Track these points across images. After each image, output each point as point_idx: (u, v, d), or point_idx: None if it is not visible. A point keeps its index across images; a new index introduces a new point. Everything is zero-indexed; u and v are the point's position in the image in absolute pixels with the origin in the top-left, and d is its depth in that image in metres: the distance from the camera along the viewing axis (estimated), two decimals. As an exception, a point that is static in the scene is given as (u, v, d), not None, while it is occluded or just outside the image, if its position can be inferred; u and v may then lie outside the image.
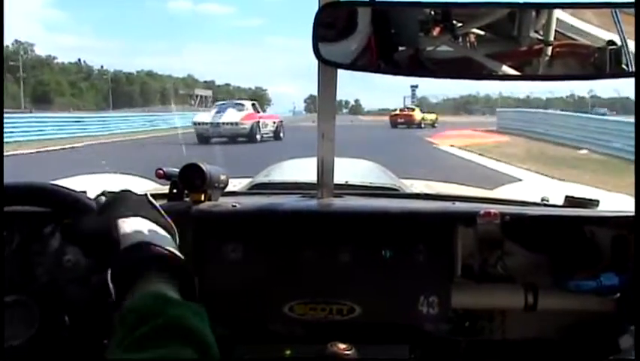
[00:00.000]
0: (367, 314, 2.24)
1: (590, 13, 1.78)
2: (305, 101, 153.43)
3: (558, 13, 1.76)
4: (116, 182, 3.68)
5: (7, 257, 1.82)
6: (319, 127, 2.36)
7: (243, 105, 34.37)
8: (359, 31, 1.78)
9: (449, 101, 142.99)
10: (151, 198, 1.88)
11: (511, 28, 1.78)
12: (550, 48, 1.76)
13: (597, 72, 1.81)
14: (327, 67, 2.07)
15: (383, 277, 2.26)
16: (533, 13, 1.78)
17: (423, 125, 52.01)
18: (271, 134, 34.32)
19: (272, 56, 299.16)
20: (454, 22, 1.79)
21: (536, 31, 1.77)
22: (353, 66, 1.85)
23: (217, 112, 32.91)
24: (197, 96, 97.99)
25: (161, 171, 2.31)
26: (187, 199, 2.33)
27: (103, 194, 2.49)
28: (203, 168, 2.25)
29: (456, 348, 2.39)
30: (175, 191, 2.34)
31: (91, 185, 2.64)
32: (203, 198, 2.30)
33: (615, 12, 1.71)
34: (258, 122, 33.46)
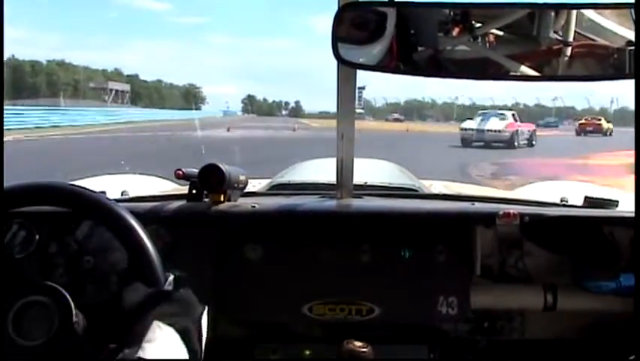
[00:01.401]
0: (386, 315, 2.24)
1: (609, 13, 1.78)
2: (242, 102, 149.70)
3: (577, 14, 1.76)
4: (136, 182, 3.69)
5: (27, 257, 1.83)
6: (338, 128, 2.36)
7: (504, 115, 37.39)
8: (379, 32, 1.78)
9: (392, 106, 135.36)
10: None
11: (531, 29, 1.78)
12: (569, 48, 1.76)
13: (617, 73, 1.80)
14: (346, 67, 2.07)
15: (402, 277, 2.26)
16: (552, 14, 1.77)
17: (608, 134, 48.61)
18: (526, 142, 35.97)
19: (210, 54, 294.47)
20: (474, 22, 1.79)
21: (555, 32, 1.77)
22: (372, 67, 1.84)
23: (482, 120, 35.86)
24: (111, 90, 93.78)
25: (180, 172, 2.31)
26: (206, 200, 2.34)
27: (122, 194, 2.51)
28: (223, 168, 2.25)
29: (475, 348, 2.39)
30: (194, 192, 2.35)
31: (110, 185, 2.66)
32: (222, 198, 2.31)
33: (632, 12, 1.71)
34: (517, 130, 35.72)
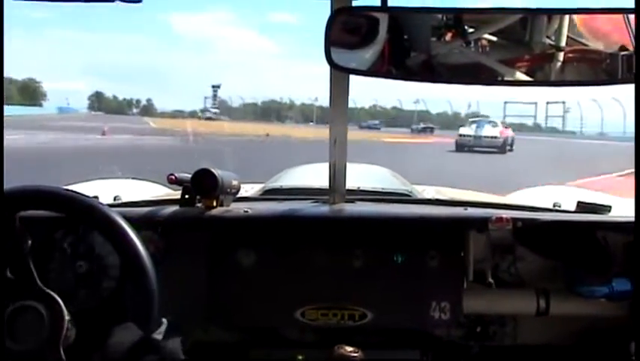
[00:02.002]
0: (379, 320, 2.24)
1: (604, 18, 1.78)
2: (89, 98, 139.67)
3: (570, 19, 1.76)
4: (129, 187, 3.68)
5: (19, 262, 1.82)
6: (331, 132, 2.36)
7: (495, 122, 41.41)
8: (372, 37, 1.78)
9: (250, 106, 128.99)
10: None
11: (523, 34, 1.78)
12: (561, 54, 1.76)
13: (609, 78, 1.81)
14: (339, 73, 2.07)
15: (395, 282, 2.26)
16: (545, 19, 1.77)
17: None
18: (509, 147, 38.64)
19: (56, 49, 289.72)
20: (466, 27, 1.79)
21: (548, 37, 1.77)
22: (364, 71, 1.84)
23: (477, 127, 38.89)
24: None
25: (173, 177, 2.30)
26: (199, 205, 2.33)
27: (115, 199, 2.51)
28: (215, 173, 2.24)
29: (468, 353, 2.39)
30: (187, 196, 2.34)
31: (103, 190, 2.66)
32: (215, 203, 2.31)
33: (627, 17, 1.71)
34: (507, 137, 39.30)
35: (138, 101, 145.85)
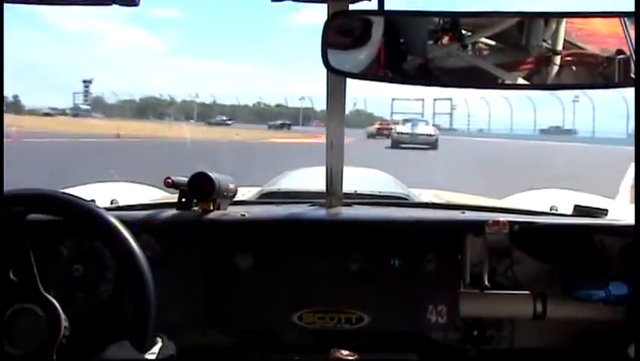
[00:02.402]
0: (376, 323, 2.24)
1: (600, 22, 1.79)
2: None
3: (566, 23, 1.76)
4: (125, 190, 3.67)
5: (22, 264, 1.82)
6: (328, 136, 2.36)
7: (427, 121, 46.67)
8: (368, 40, 1.78)
9: (127, 103, 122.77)
10: None
11: (520, 38, 1.78)
12: (558, 57, 1.76)
13: (606, 81, 1.81)
14: (336, 76, 2.07)
15: (392, 286, 2.26)
16: (542, 23, 1.78)
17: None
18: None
19: None
20: (463, 31, 1.79)
21: (545, 41, 1.77)
22: (362, 75, 1.85)
23: (412, 125, 42.40)
24: None
25: (169, 180, 2.30)
26: (196, 208, 2.33)
27: (112, 202, 2.51)
28: (212, 176, 2.24)
29: (464, 357, 2.38)
30: (184, 200, 2.34)
31: (100, 193, 2.65)
32: (211, 207, 2.30)
33: (623, 20, 1.71)
34: (438, 134, 42.48)
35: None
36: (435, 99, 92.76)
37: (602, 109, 71.96)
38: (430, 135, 40.47)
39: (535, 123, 79.36)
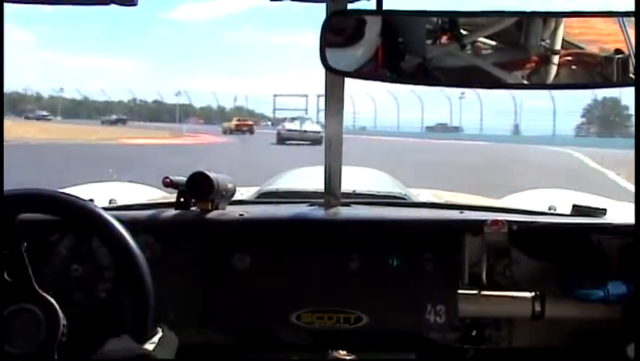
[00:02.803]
0: (374, 323, 2.24)
1: (598, 21, 1.78)
2: None
3: (565, 22, 1.76)
4: (124, 190, 3.68)
5: (17, 264, 1.82)
6: (326, 135, 2.37)
7: (312, 119, 47.84)
8: (367, 40, 1.78)
9: None
10: None
11: (519, 37, 1.78)
12: (557, 57, 1.76)
13: (604, 81, 1.81)
14: (335, 76, 2.07)
15: (390, 285, 2.26)
16: (540, 22, 1.77)
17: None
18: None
19: None
20: (462, 31, 1.79)
21: (543, 40, 1.77)
22: (360, 75, 1.84)
23: (300, 122, 44.87)
24: None
25: (168, 180, 2.30)
26: (194, 208, 2.33)
27: (110, 202, 2.51)
28: (211, 176, 2.24)
29: (463, 357, 2.38)
30: (182, 200, 2.34)
31: (98, 193, 2.66)
32: (210, 207, 2.30)
33: (622, 20, 1.71)
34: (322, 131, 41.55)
35: None
36: (319, 95, 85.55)
37: (487, 106, 71.12)
38: (317, 132, 41.62)
39: (422, 121, 77.57)
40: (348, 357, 2.12)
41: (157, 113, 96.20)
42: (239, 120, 61.38)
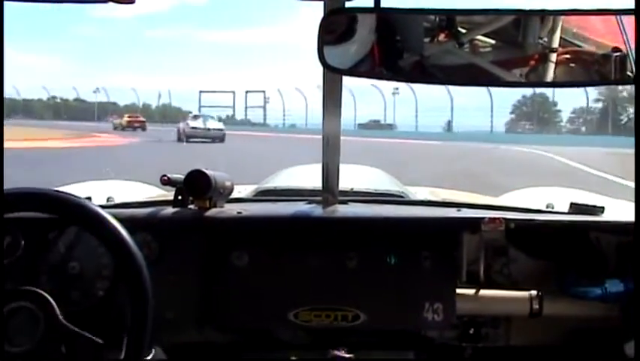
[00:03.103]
0: (372, 321, 2.24)
1: (596, 19, 1.78)
2: None
3: (563, 20, 1.76)
4: (121, 188, 3.67)
5: (13, 263, 1.82)
6: (324, 133, 2.36)
7: (214, 117, 48.56)
8: (364, 38, 1.78)
9: None
10: None
11: (516, 35, 1.78)
12: (554, 55, 1.76)
13: (602, 79, 1.81)
14: (332, 74, 2.07)
15: (388, 283, 2.26)
16: (538, 20, 1.77)
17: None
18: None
19: None
20: (459, 28, 1.79)
21: (541, 38, 1.77)
22: (358, 73, 1.84)
23: (203, 120, 44.92)
24: None
25: (165, 178, 2.30)
26: (192, 206, 2.33)
27: (108, 200, 2.50)
28: (209, 174, 2.24)
29: (461, 355, 2.38)
30: (180, 198, 2.34)
31: (96, 191, 2.65)
32: (208, 204, 2.31)
33: (620, 18, 1.71)
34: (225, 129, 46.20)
35: None
36: (247, 92, 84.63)
37: (420, 103, 66.11)
38: (220, 130, 43.93)
39: (355, 118, 70.52)
40: (346, 356, 2.12)
41: (79, 112, 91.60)
42: (130, 117, 60.92)
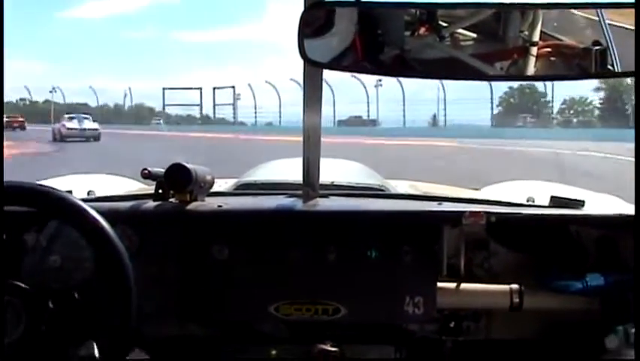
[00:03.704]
0: (353, 314, 2.24)
1: (577, 13, 1.79)
2: None
3: (544, 14, 1.76)
4: (102, 182, 3.66)
5: None
6: (304, 127, 2.36)
7: (88, 117, 47.80)
8: (344, 32, 1.78)
9: None
10: None
11: (497, 29, 1.78)
12: (535, 48, 1.76)
13: (582, 72, 1.82)
14: (313, 67, 2.07)
15: (368, 277, 2.26)
16: (519, 14, 1.78)
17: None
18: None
19: None
20: (440, 22, 1.79)
21: (522, 32, 1.77)
22: (338, 66, 1.84)
23: (78, 121, 45.39)
24: None
25: (146, 171, 2.30)
26: (172, 199, 2.33)
27: (89, 194, 2.49)
28: (189, 168, 2.24)
29: (441, 348, 2.39)
30: (161, 191, 2.33)
31: (76, 185, 2.64)
32: (188, 198, 2.30)
33: (600, 12, 1.71)
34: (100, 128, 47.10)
35: None
36: (215, 88, 77.30)
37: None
38: (96, 130, 44.89)
39: (334, 114, 61.65)
40: (332, 349, 2.12)
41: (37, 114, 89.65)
42: (9, 117, 57.09)
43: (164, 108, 77.30)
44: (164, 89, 78.82)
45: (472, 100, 53.74)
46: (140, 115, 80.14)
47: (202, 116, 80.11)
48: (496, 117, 61.73)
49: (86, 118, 47.60)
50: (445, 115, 59.76)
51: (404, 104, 59.16)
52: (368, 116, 66.50)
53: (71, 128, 44.29)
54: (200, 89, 78.09)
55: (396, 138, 40.89)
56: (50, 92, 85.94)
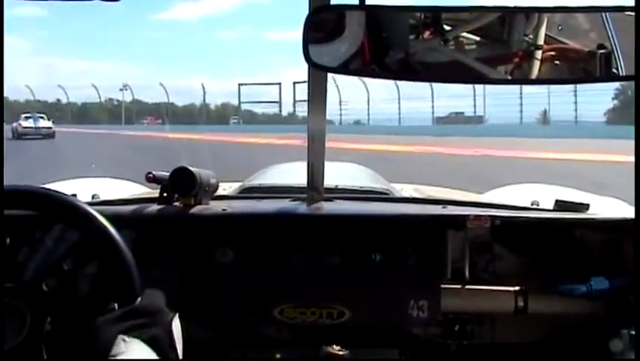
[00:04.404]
0: (357, 318, 2.24)
1: (581, 16, 1.79)
2: None
3: (548, 17, 1.76)
4: (107, 186, 3.66)
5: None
6: (309, 131, 2.36)
7: (43, 116, 51.13)
8: (349, 35, 1.78)
9: None
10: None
11: (502, 32, 1.78)
12: (539, 52, 1.76)
13: (587, 76, 1.82)
14: (318, 71, 2.07)
15: (373, 281, 2.26)
16: (523, 17, 1.77)
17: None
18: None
19: None
20: (445, 26, 1.79)
21: (526, 35, 1.77)
22: (343, 70, 1.84)
23: (34, 120, 48.86)
24: None
25: (151, 175, 2.30)
26: (177, 203, 2.33)
27: (93, 197, 2.49)
28: (194, 171, 2.24)
29: (446, 352, 2.39)
30: (165, 195, 2.34)
31: (81, 189, 2.65)
32: (193, 202, 2.30)
33: (605, 15, 1.71)
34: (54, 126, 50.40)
35: None
36: (295, 82, 70.97)
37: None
38: (49, 128, 48.03)
39: (432, 110, 60.63)
40: (340, 353, 2.12)
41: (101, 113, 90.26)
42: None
43: (239, 106, 75.79)
44: (239, 84, 77.07)
45: (586, 91, 49.04)
46: (227, 114, 79.60)
47: (288, 115, 76.17)
48: (611, 113, 56.84)
49: (41, 117, 50.56)
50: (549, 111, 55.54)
51: (521, 98, 55.56)
52: (475, 112, 62.06)
53: (27, 127, 47.12)
54: (280, 84, 75.62)
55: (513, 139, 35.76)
56: (121, 90, 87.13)
